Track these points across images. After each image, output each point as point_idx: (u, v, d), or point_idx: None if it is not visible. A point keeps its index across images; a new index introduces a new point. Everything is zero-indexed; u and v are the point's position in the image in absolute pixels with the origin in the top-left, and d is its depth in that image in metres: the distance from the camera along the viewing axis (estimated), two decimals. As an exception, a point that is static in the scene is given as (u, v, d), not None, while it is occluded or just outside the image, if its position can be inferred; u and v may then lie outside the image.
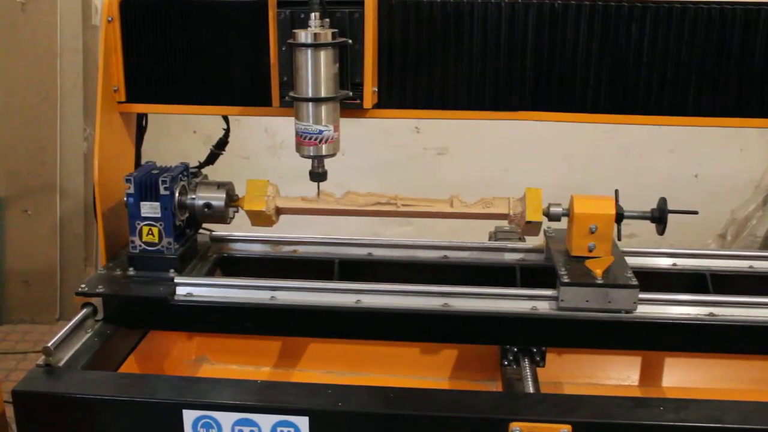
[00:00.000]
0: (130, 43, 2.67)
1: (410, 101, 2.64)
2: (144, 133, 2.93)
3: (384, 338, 2.55)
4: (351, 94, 2.51)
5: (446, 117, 2.65)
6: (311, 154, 2.48)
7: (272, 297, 2.48)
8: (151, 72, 2.69)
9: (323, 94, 2.42)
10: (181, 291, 2.49)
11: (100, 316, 2.49)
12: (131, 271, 2.58)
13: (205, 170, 2.86)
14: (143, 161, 2.83)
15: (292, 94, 2.45)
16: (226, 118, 2.91)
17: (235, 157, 4.57)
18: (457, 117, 2.65)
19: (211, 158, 2.97)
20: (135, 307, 2.49)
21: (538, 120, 2.63)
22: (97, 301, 2.49)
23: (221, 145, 2.97)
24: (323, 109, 2.44)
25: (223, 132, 2.96)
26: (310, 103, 2.43)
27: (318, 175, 2.54)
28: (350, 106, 2.54)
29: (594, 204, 2.54)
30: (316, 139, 2.45)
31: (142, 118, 2.90)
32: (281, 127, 4.92)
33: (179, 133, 5.06)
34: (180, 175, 2.59)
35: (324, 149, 2.48)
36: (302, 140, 2.46)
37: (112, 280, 2.56)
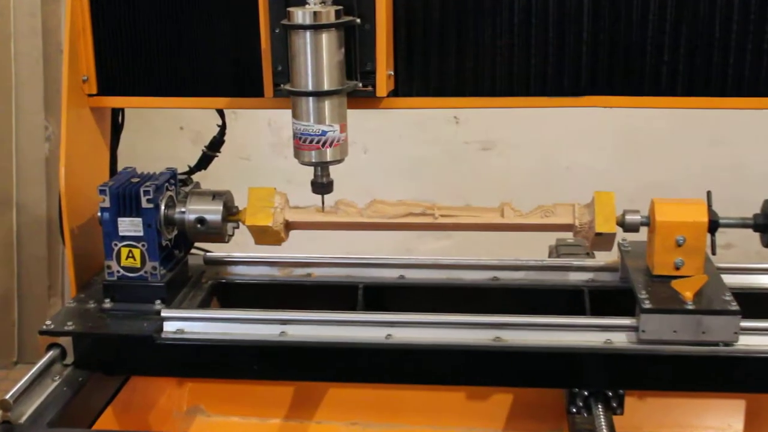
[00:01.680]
0: (102, 22, 2.70)
1: (435, 87, 2.64)
2: (120, 133, 2.95)
3: (421, 381, 2.55)
4: (360, 85, 2.52)
5: (480, 105, 2.66)
6: (313, 160, 2.49)
7: (282, 332, 2.48)
8: (127, 58, 2.71)
9: (326, 87, 2.43)
10: (169, 327, 2.50)
11: (69, 359, 2.50)
12: (108, 304, 2.59)
13: (196, 176, 2.88)
14: (120, 167, 2.84)
15: (287, 86, 2.46)
16: (221, 112, 2.92)
17: (232, 159, 4.59)
18: (495, 105, 2.65)
19: (204, 161, 2.98)
20: (113, 348, 2.50)
21: (601, 106, 2.62)
22: (66, 341, 2.50)
23: (216, 145, 2.98)
24: (327, 104, 2.44)
25: (218, 129, 2.97)
26: (311, 98, 2.44)
27: (322, 185, 2.55)
28: (360, 95, 2.55)
29: (681, 210, 2.53)
30: (318, 142, 2.46)
31: (117, 113, 2.92)
32: (288, 120, 4.92)
33: (164, 130, 5.08)
34: (166, 184, 2.60)
35: (329, 154, 2.48)
36: (301, 143, 2.47)
37: (84, 314, 2.57)
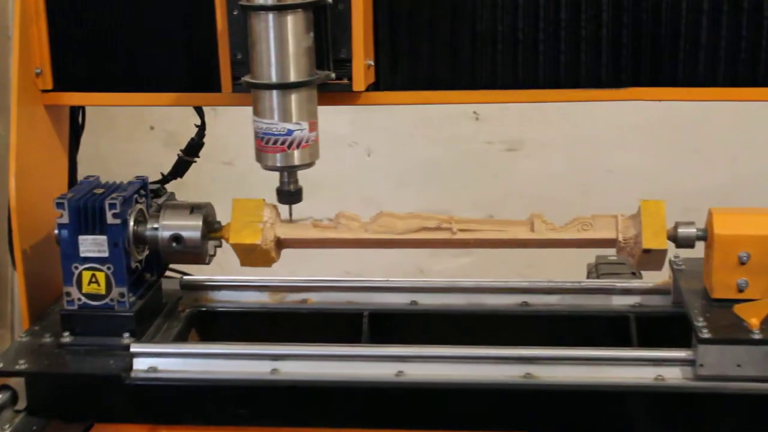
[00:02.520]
0: (58, 5, 2.71)
1: (424, 79, 2.64)
2: (81, 135, 2.95)
3: (439, 426, 2.54)
4: (333, 75, 2.53)
5: (478, 101, 2.66)
6: (277, 164, 2.51)
7: (274, 370, 2.48)
8: (88, 48, 2.72)
9: (292, 78, 2.44)
10: (140, 364, 2.51)
11: (21, 404, 2.50)
12: (67, 337, 2.59)
13: (171, 186, 2.88)
14: (81, 175, 2.85)
15: (248, 78, 2.47)
16: (199, 110, 2.93)
17: (213, 164, 4.59)
18: (496, 100, 2.66)
19: (180, 168, 2.99)
20: (73, 390, 2.50)
21: (640, 99, 2.63)
22: (18, 383, 2.50)
23: (193, 148, 2.98)
24: (293, 99, 2.46)
25: (196, 129, 2.97)
26: (274, 92, 2.45)
27: (288, 194, 2.57)
28: (334, 89, 2.55)
29: (744, 221, 2.53)
30: (283, 143, 2.47)
31: (77, 112, 2.93)
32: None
33: (131, 131, 5.08)
34: (135, 195, 2.60)
35: (296, 157, 2.49)
36: (264, 145, 2.49)
37: (39, 350, 2.57)
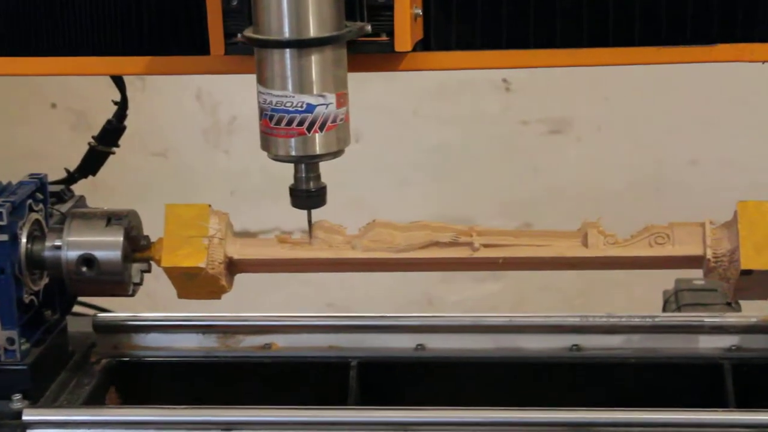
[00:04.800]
0: None
1: (486, 34, 2.64)
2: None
3: None
4: (369, 28, 2.52)
5: (557, 63, 2.66)
6: (292, 153, 2.49)
7: (225, 443, 2.49)
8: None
9: (313, 33, 2.43)
10: (37, 438, 2.51)
11: None
12: (-65, 400, 2.60)
13: (79, 186, 2.88)
14: (-47, 173, 2.85)
15: (249, 33, 2.46)
16: (119, 81, 2.92)
17: (140, 156, 4.60)
18: (579, 62, 2.65)
19: (93, 161, 2.98)
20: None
21: (745, 61, 2.62)
22: None
23: (111, 134, 2.97)
24: (314, 61, 2.44)
25: (116, 107, 2.97)
26: (288, 52, 2.44)
27: (307, 195, 2.56)
28: (368, 49, 2.55)
29: None
30: (301, 123, 2.46)
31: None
32: (230, 90, 4.90)
33: (24, 110, 5.09)
34: (29, 201, 2.60)
35: (318, 143, 2.48)
36: (273, 126, 2.48)
37: None
